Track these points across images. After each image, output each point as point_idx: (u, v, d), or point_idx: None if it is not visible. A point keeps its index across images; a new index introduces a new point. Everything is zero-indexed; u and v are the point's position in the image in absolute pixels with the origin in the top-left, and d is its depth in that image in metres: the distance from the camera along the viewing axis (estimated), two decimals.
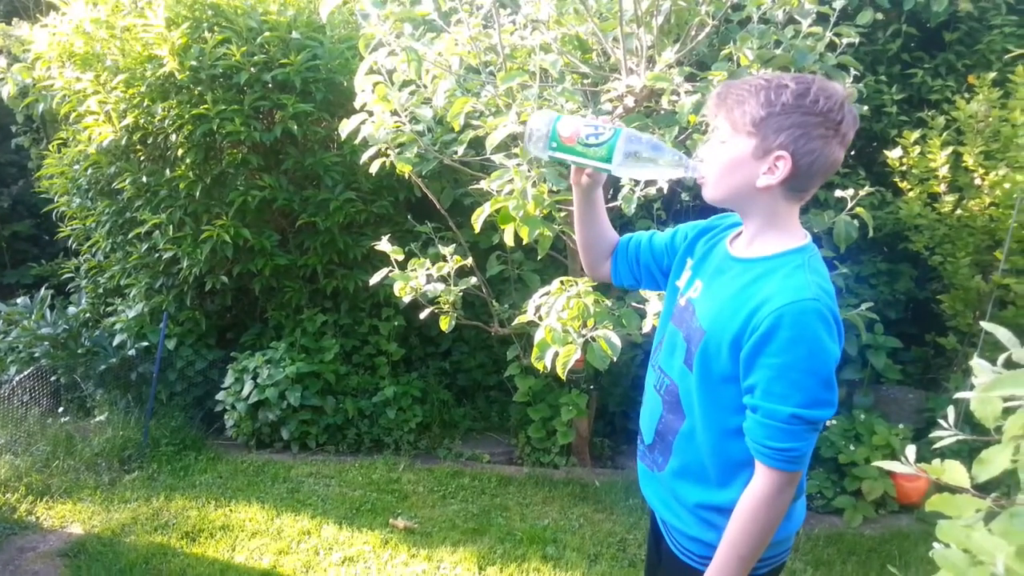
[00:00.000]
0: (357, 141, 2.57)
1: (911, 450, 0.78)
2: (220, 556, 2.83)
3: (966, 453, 1.93)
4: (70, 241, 4.46)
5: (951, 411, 0.77)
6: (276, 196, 3.66)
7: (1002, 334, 0.61)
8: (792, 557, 2.87)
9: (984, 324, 0.70)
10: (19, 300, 4.17)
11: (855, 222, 2.67)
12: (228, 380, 3.77)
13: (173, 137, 3.65)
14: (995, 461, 0.64)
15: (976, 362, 0.62)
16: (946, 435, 0.73)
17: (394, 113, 2.45)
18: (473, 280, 2.83)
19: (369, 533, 3.01)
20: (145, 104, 3.59)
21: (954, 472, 0.67)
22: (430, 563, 2.82)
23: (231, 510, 3.17)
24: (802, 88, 1.21)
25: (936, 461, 0.69)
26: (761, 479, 1.22)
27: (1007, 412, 0.64)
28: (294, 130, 3.52)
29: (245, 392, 3.68)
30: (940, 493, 0.69)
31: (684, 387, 1.36)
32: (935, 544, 0.63)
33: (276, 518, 3.13)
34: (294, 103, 3.49)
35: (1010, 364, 0.59)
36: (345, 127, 2.54)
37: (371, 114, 2.48)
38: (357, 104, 2.49)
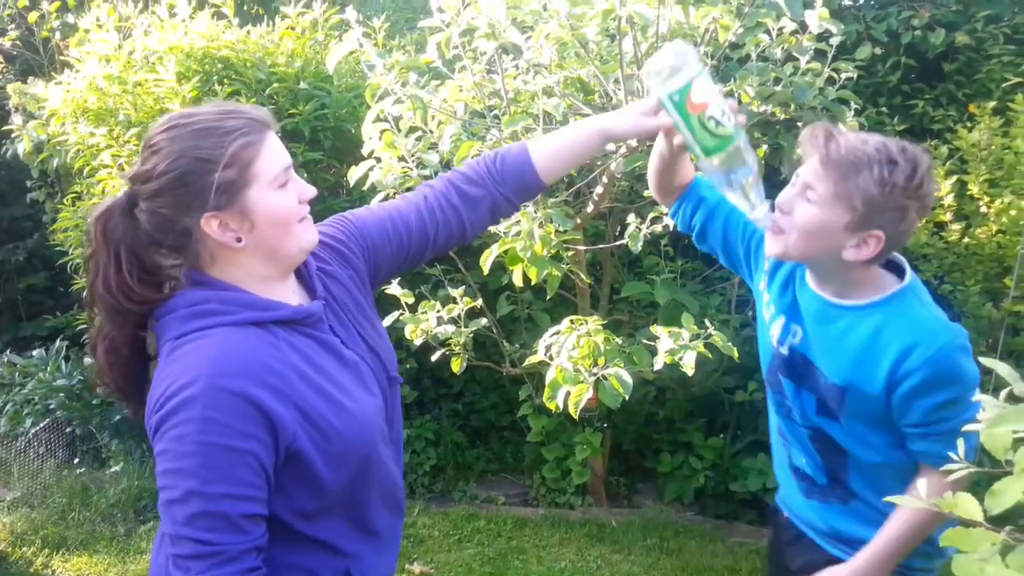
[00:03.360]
0: (366, 187, 2.61)
1: (922, 484, 0.78)
2: None
3: (985, 484, 1.90)
4: (84, 293, 4.51)
5: (961, 444, 0.77)
6: None
7: (1001, 368, 0.62)
8: None
9: (983, 360, 0.71)
10: (35, 352, 4.21)
11: None
12: None
13: None
14: (1008, 493, 0.64)
15: (980, 397, 0.63)
16: (958, 468, 0.73)
17: (401, 159, 2.50)
18: (483, 321, 2.85)
19: None
20: None
21: (967, 505, 0.67)
22: None
23: None
24: (910, 169, 1.19)
25: (948, 494, 0.69)
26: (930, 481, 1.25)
27: (1018, 443, 0.65)
28: (304, 178, 3.57)
29: None
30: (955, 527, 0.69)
31: (831, 430, 1.38)
32: None
33: None
34: (303, 151, 3.55)
35: (1013, 398, 0.60)
36: (354, 174, 2.59)
37: (379, 160, 2.52)
38: (365, 151, 2.54)
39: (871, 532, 1.35)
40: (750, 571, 3.05)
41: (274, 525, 1.08)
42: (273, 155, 1.08)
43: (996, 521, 0.64)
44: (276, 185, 1.08)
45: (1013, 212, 3.05)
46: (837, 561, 1.39)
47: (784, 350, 1.41)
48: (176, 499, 1.00)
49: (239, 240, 1.08)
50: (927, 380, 1.22)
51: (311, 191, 1.13)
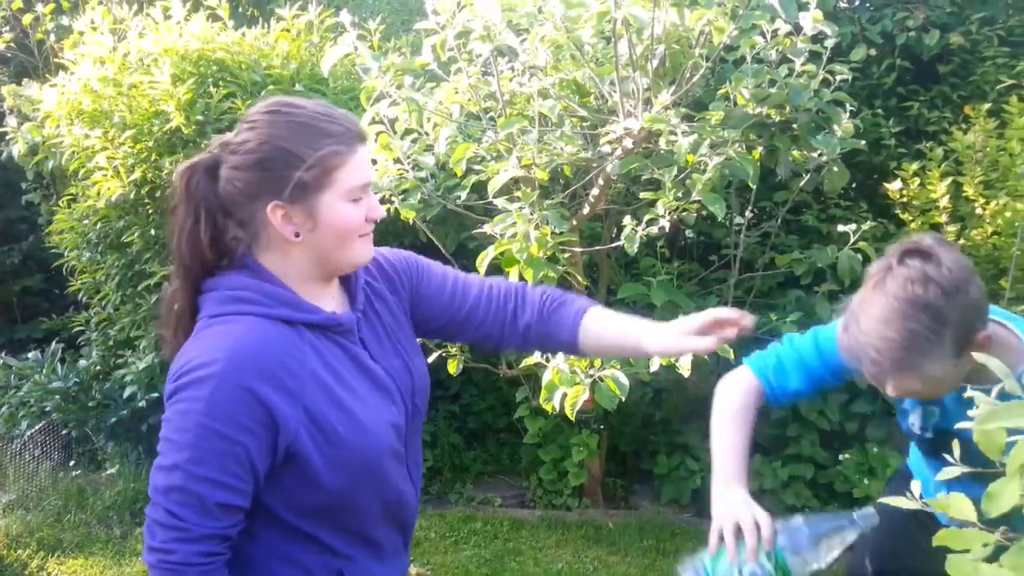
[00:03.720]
0: None
1: (916, 485, 0.78)
2: None
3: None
4: (80, 295, 4.50)
5: (956, 444, 0.77)
6: None
7: (994, 364, 0.62)
8: None
9: (976, 355, 0.71)
10: (30, 355, 4.20)
11: (858, 256, 2.69)
12: None
13: None
14: (1004, 495, 0.64)
15: (973, 393, 0.63)
16: (952, 469, 0.73)
17: (397, 161, 2.50)
18: None
19: None
20: (153, 159, 3.65)
21: (960, 506, 0.67)
22: None
23: None
24: (919, 284, 1.14)
25: (941, 495, 0.69)
26: None
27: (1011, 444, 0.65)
28: None
29: None
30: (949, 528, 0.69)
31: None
32: None
33: None
34: None
35: (1004, 395, 0.60)
36: None
37: (375, 162, 2.52)
38: None
39: None
40: None
41: (269, 517, 1.12)
42: (357, 169, 1.11)
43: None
44: (350, 197, 1.11)
45: (1008, 214, 3.06)
46: None
47: (929, 434, 1.38)
48: (164, 466, 1.06)
49: (297, 235, 1.11)
50: None
51: (380, 212, 1.16)
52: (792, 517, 1.23)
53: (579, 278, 3.00)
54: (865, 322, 1.17)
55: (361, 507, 1.17)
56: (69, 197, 4.37)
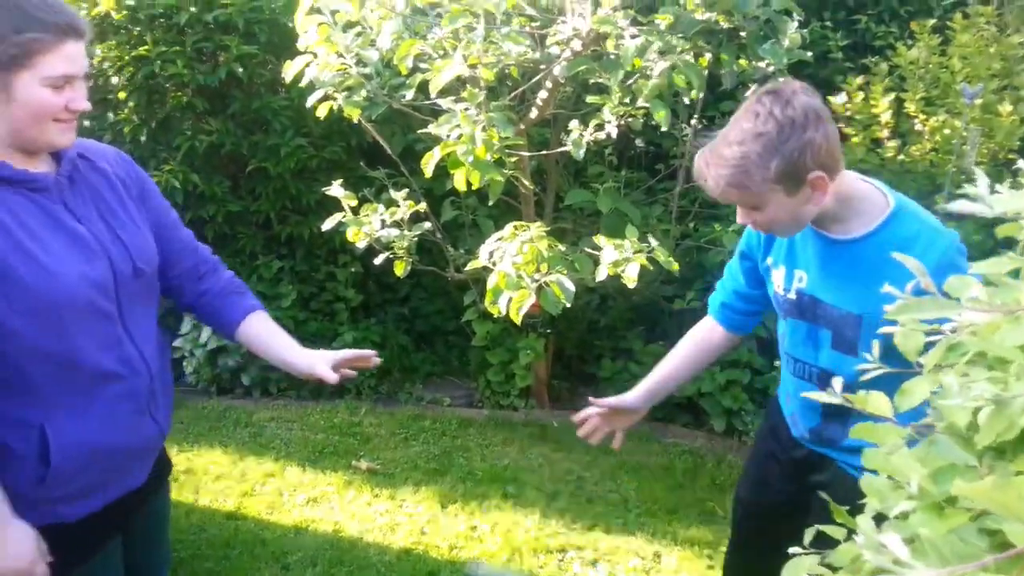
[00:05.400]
0: (303, 84, 2.52)
1: (838, 382, 0.82)
2: (185, 499, 2.85)
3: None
4: None
5: (875, 345, 0.81)
6: (224, 141, 3.57)
7: (911, 264, 0.65)
8: None
9: (895, 255, 0.74)
10: None
11: None
12: (185, 327, 3.74)
13: (114, 80, 3.53)
14: (916, 392, 0.68)
15: (889, 289, 0.65)
16: (871, 368, 0.76)
17: (339, 55, 2.40)
18: (427, 225, 2.83)
19: (332, 475, 3.05)
20: None
21: (877, 402, 0.71)
22: (392, 502, 2.88)
23: (194, 455, 3.18)
24: (762, 118, 1.27)
25: (861, 392, 0.73)
26: None
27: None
28: (239, 73, 3.43)
29: (203, 339, 3.66)
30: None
31: (843, 370, 1.40)
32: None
33: (239, 461, 3.15)
34: (237, 45, 3.39)
35: (919, 292, 0.62)
36: (289, 69, 2.49)
37: (315, 56, 2.43)
38: (300, 45, 2.44)
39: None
40: (683, 469, 3.22)
41: None
42: (61, 60, 1.18)
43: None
44: (50, 84, 1.18)
45: (947, 131, 3.12)
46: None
47: (792, 295, 1.49)
48: None
49: None
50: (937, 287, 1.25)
51: (82, 105, 1.22)
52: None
53: (526, 183, 2.99)
54: (711, 144, 1.36)
55: (55, 358, 1.21)
56: None
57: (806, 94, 1.31)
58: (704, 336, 1.73)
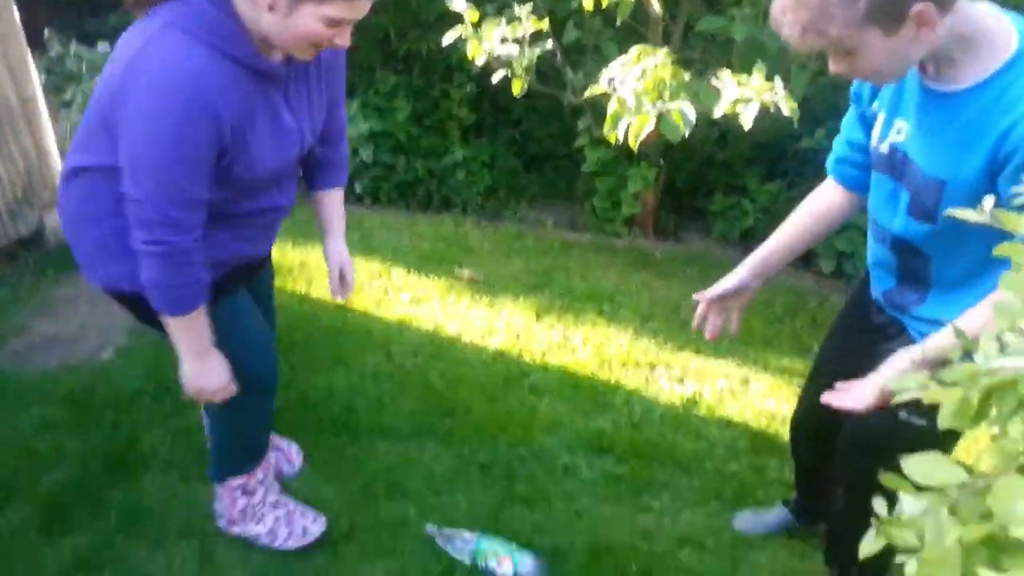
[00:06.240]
0: None
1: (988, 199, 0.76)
2: (298, 289, 3.06)
3: None
4: None
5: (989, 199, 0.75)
6: None
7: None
8: None
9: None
10: (99, 47, 4.22)
11: None
12: None
13: None
14: None
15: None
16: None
17: None
18: (549, 44, 2.77)
19: (436, 279, 3.21)
20: None
21: (1016, 221, 0.65)
22: (491, 309, 3.03)
23: (308, 250, 3.33)
24: None
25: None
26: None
27: None
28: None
29: None
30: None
31: (919, 237, 1.31)
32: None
33: None
34: None
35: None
36: None
37: None
38: None
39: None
40: (784, 305, 3.21)
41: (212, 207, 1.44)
42: (347, 8, 1.28)
43: None
44: (327, 22, 1.28)
45: None
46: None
47: (884, 148, 1.33)
48: (152, 171, 1.36)
49: (271, 8, 1.28)
50: None
51: (345, 43, 1.37)
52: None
53: (656, 5, 2.84)
54: None
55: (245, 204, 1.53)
56: None
57: None
58: (822, 198, 1.55)
